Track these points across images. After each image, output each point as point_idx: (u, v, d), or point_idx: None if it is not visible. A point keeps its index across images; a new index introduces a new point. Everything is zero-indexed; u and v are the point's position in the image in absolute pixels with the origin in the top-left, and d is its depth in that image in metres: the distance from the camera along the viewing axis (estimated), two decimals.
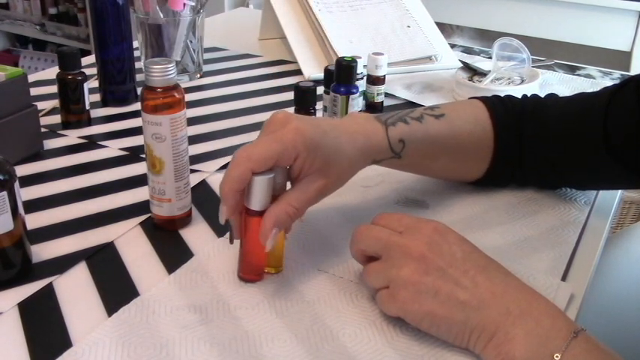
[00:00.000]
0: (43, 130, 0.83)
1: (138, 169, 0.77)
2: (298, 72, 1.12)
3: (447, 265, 0.50)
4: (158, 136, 0.60)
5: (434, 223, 0.53)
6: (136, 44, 1.00)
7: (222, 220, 0.54)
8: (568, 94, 0.72)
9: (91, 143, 0.84)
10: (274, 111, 0.56)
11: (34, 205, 0.68)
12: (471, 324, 0.48)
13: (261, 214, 0.54)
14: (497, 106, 0.69)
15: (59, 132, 0.86)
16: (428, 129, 0.64)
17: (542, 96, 0.73)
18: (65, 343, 0.50)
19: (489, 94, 0.73)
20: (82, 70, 0.86)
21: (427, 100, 1.00)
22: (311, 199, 0.55)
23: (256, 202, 0.53)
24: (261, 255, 0.56)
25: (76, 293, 0.56)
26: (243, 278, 0.57)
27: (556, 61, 1.20)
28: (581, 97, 0.70)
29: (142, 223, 0.66)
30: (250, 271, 0.57)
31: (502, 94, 0.73)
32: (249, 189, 0.53)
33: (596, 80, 1.13)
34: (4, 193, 0.53)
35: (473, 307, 0.48)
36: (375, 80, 0.93)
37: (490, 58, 1.11)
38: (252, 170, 0.52)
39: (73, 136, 0.85)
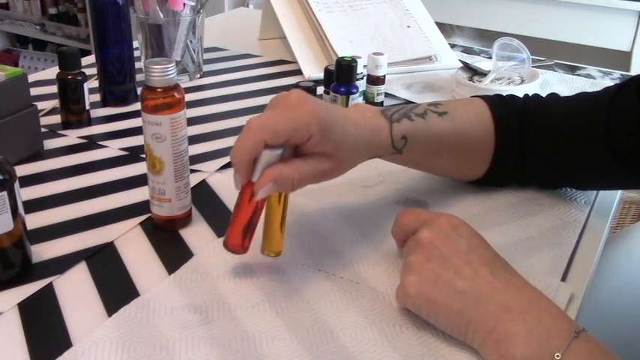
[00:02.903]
0: (43, 130, 0.83)
1: (138, 169, 0.77)
2: (298, 72, 1.11)
3: (451, 254, 0.51)
4: (158, 136, 0.60)
5: (448, 216, 0.54)
6: (136, 44, 1.00)
7: (237, 187, 0.54)
8: (568, 94, 0.72)
9: (91, 143, 0.84)
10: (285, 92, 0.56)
11: (34, 205, 0.68)
12: (468, 315, 0.49)
13: None
14: (500, 105, 0.69)
15: (59, 132, 0.86)
16: (431, 126, 0.64)
17: (544, 96, 0.73)
18: (65, 343, 0.50)
19: (490, 94, 0.73)
20: (82, 70, 0.86)
21: (427, 100, 0.99)
22: (315, 176, 0.55)
23: (257, 175, 0.53)
24: (250, 227, 0.55)
25: (76, 293, 0.56)
26: (227, 248, 0.56)
27: (556, 61, 1.20)
28: (582, 97, 0.71)
29: (142, 223, 0.66)
30: (236, 242, 0.55)
31: (503, 94, 0.73)
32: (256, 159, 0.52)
33: (596, 80, 1.13)
34: (4, 193, 0.53)
35: (471, 298, 0.49)
36: (375, 80, 0.93)
37: (490, 58, 1.10)
38: (265, 141, 0.52)
39: (73, 136, 0.85)
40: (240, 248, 0.56)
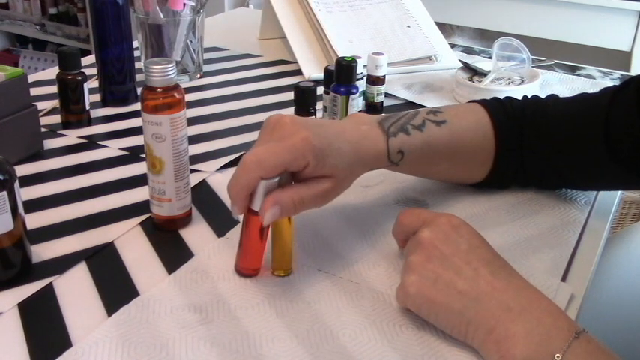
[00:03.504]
0: (43, 130, 0.83)
1: (138, 169, 0.77)
2: (298, 72, 1.11)
3: (451, 254, 0.51)
4: (158, 136, 0.60)
5: (449, 216, 0.54)
6: (136, 44, 1.00)
7: (234, 216, 0.55)
8: (568, 94, 0.72)
9: (91, 143, 0.84)
10: (274, 112, 0.56)
11: (34, 205, 0.68)
12: (469, 314, 0.49)
13: None
14: (498, 109, 0.69)
15: (59, 132, 0.86)
16: (428, 138, 0.64)
17: (543, 97, 0.73)
18: (65, 343, 0.50)
19: (489, 95, 0.73)
20: (82, 70, 0.86)
21: (427, 100, 1.00)
22: (317, 197, 0.56)
23: (258, 204, 0.53)
24: (259, 252, 0.57)
25: (76, 293, 0.56)
26: (239, 272, 0.58)
27: (556, 61, 1.20)
28: (582, 98, 0.70)
29: (142, 223, 0.66)
30: (247, 267, 0.58)
31: (502, 95, 0.73)
32: (253, 190, 0.54)
33: (596, 80, 1.13)
34: (4, 193, 0.53)
35: (471, 297, 0.49)
36: (375, 80, 0.93)
37: (490, 58, 1.10)
38: (261, 177, 0.52)
39: (73, 136, 0.85)
40: (252, 271, 0.58)
